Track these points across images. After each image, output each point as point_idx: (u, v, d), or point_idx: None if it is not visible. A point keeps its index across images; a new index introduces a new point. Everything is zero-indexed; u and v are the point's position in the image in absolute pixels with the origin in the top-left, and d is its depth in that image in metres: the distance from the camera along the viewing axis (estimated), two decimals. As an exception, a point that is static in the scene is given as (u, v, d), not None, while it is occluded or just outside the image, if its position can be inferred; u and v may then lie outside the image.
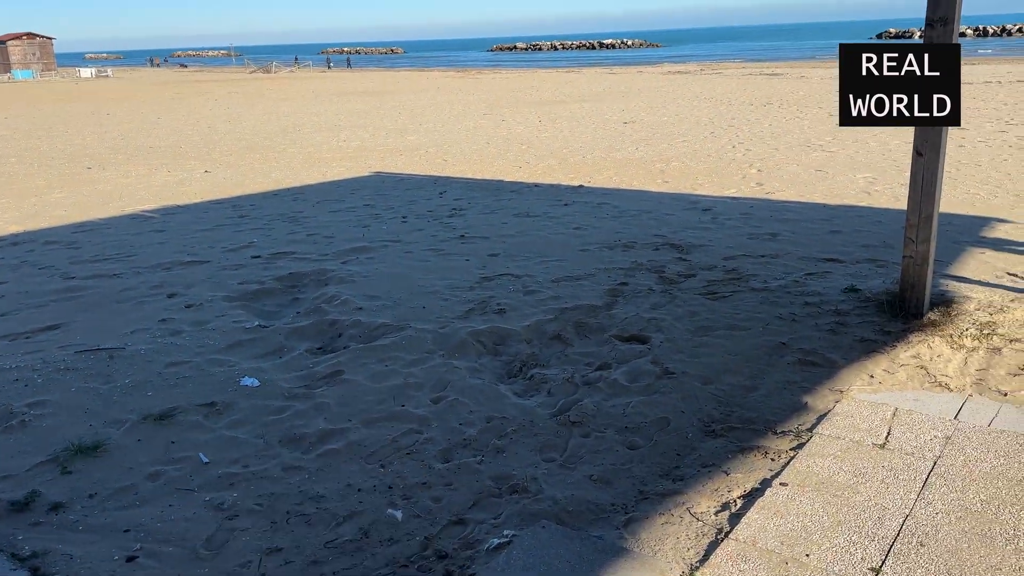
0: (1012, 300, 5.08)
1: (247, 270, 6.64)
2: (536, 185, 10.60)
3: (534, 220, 8.32)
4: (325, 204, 9.62)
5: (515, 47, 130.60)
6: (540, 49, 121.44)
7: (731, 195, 9.39)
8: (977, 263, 6.04)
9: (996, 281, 5.56)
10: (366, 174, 12.07)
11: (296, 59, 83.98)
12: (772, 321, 4.94)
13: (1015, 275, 5.70)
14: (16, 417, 3.98)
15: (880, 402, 3.83)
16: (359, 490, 3.27)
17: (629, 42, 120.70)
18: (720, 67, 46.76)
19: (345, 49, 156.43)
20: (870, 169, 10.63)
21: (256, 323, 5.33)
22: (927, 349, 4.37)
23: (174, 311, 5.60)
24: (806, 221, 7.77)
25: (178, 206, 9.82)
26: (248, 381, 4.36)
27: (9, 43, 69.89)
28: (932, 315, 4.82)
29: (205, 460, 3.55)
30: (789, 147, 13.13)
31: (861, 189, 9.33)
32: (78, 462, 3.54)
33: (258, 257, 7.07)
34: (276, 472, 3.43)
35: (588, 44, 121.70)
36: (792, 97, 22.97)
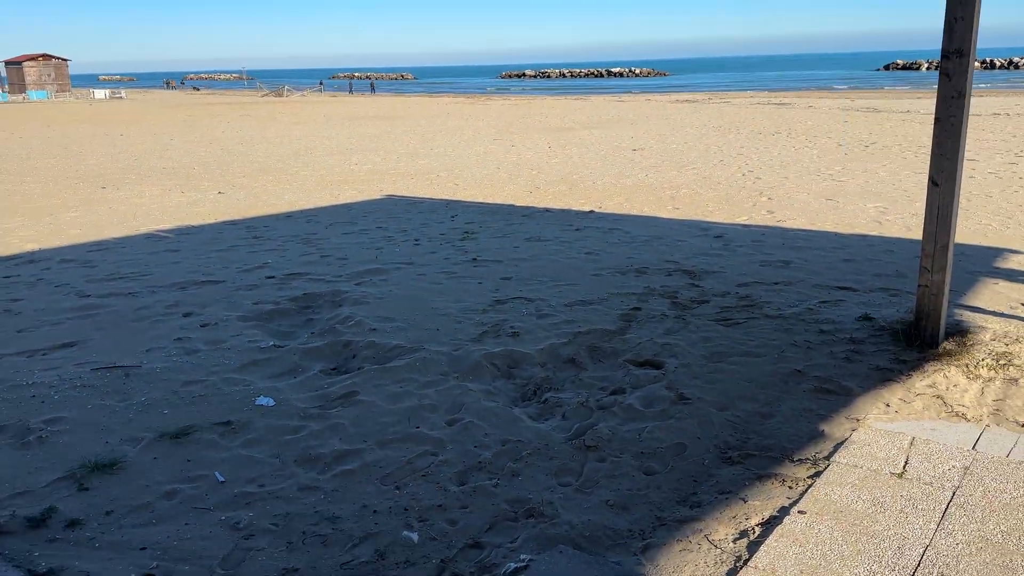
0: (1027, 331, 5.07)
1: (261, 290, 6.68)
2: (547, 210, 10.65)
3: (546, 244, 8.36)
4: (338, 226, 9.68)
5: (524, 74, 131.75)
6: (549, 76, 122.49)
7: (742, 222, 9.41)
8: (991, 293, 6.03)
9: (1011, 312, 5.55)
10: (378, 197, 12.15)
11: (321, 83, 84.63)
12: (787, 348, 4.94)
13: (1030, 306, 5.68)
14: (33, 433, 4.00)
15: (897, 431, 3.82)
16: (375, 511, 3.27)
17: (637, 70, 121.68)
18: (728, 96, 47.05)
19: (357, 75, 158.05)
20: (881, 199, 10.65)
21: (271, 343, 5.35)
22: (943, 379, 4.36)
23: (190, 330, 5.63)
24: (818, 249, 7.78)
25: (192, 227, 9.89)
26: (263, 400, 4.37)
27: (25, 64, 70.84)
28: (948, 344, 4.81)
29: (221, 479, 3.55)
30: (799, 176, 13.18)
31: (872, 218, 9.34)
32: (95, 479, 3.54)
33: (272, 278, 7.11)
34: (292, 492, 3.43)
35: (596, 72, 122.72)
36: (801, 127, 23.08)
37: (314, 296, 6.45)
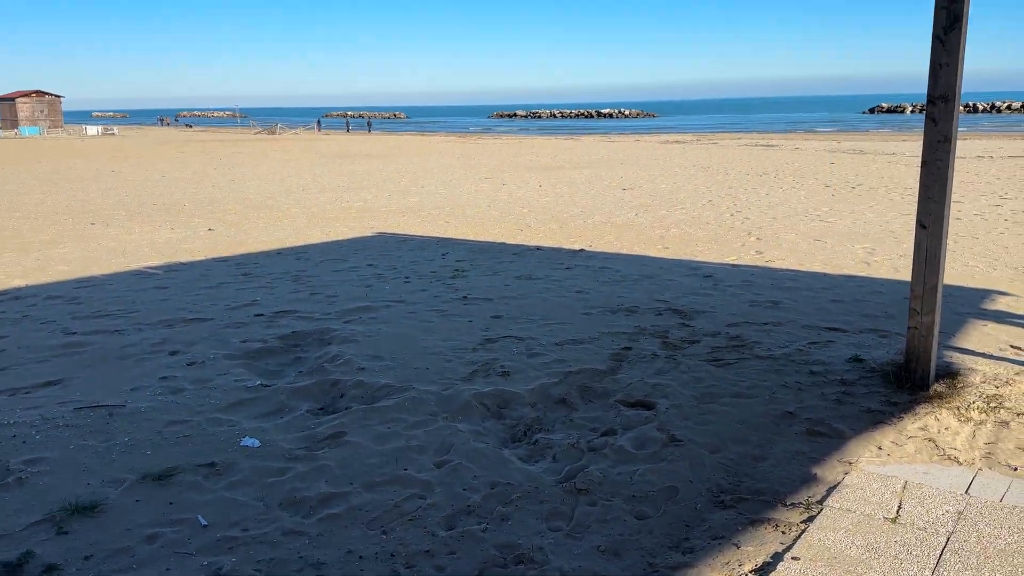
0: (1017, 373, 5.07)
1: (249, 328, 6.62)
2: (538, 248, 10.68)
3: (536, 283, 8.35)
4: (328, 263, 9.66)
5: (515, 114, 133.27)
6: (540, 117, 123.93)
7: (731, 262, 9.45)
8: (980, 335, 6.05)
9: (1000, 354, 5.56)
10: (369, 234, 12.16)
11: (319, 121, 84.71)
12: (778, 390, 4.92)
13: (1018, 348, 5.70)
14: (12, 474, 3.91)
15: (889, 475, 3.79)
16: (360, 557, 3.20)
17: (627, 111, 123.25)
18: (716, 137, 47.67)
19: (350, 113, 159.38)
20: (868, 240, 10.74)
21: (258, 382, 5.29)
22: (935, 421, 4.34)
23: (175, 369, 5.57)
24: (807, 290, 7.81)
25: (181, 263, 9.85)
26: (249, 441, 4.30)
27: (18, 100, 71.11)
28: (938, 387, 4.80)
29: (204, 523, 3.47)
30: (787, 216, 13.29)
31: (860, 259, 9.40)
32: (74, 522, 3.46)
33: (261, 315, 7.07)
34: (276, 536, 3.36)
35: (586, 113, 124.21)
36: (788, 168, 23.35)
37: (302, 334, 6.41)
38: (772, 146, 35.59)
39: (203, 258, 10.21)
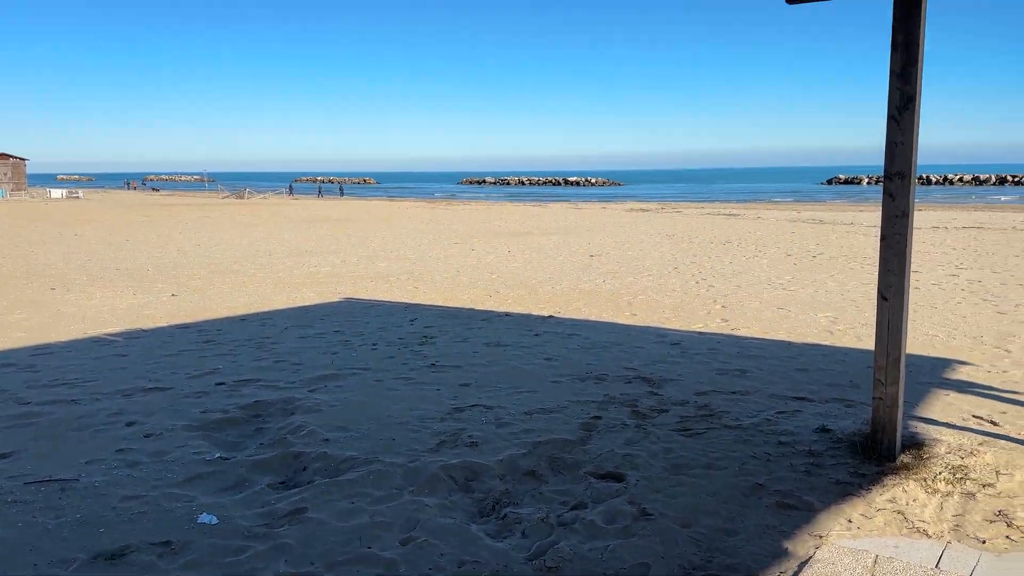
0: (981, 443, 5.12)
1: (210, 398, 6.47)
2: (507, 314, 10.68)
3: (505, 349, 8.32)
4: (294, 329, 9.54)
5: (484, 180, 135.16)
6: (508, 183, 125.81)
7: (698, 330, 9.53)
8: (943, 405, 6.13)
9: (963, 424, 5.63)
10: (336, 300, 12.08)
11: (291, 186, 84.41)
12: (747, 460, 4.90)
13: (980, 418, 5.77)
14: (-48, 555, 3.71)
15: (860, 548, 3.76)
16: (322, 642, 3.06)
17: (593, 180, 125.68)
18: (680, 206, 48.69)
19: (320, 178, 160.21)
20: (830, 308, 10.93)
21: (217, 455, 5.13)
22: (903, 493, 4.35)
23: (132, 440, 5.39)
24: (772, 358, 7.88)
25: (142, 330, 9.66)
26: (206, 518, 4.14)
27: (-18, 162, 70.33)
28: (904, 458, 4.82)
29: (156, 606, 3.30)
30: (751, 284, 13.50)
31: (823, 328, 9.54)
32: (17, 607, 3.27)
33: (222, 384, 6.91)
34: (233, 620, 3.21)
35: (554, 180, 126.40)
36: (750, 237, 23.85)
37: (265, 404, 6.27)
38: (734, 215, 36.41)
39: (165, 324, 10.03)
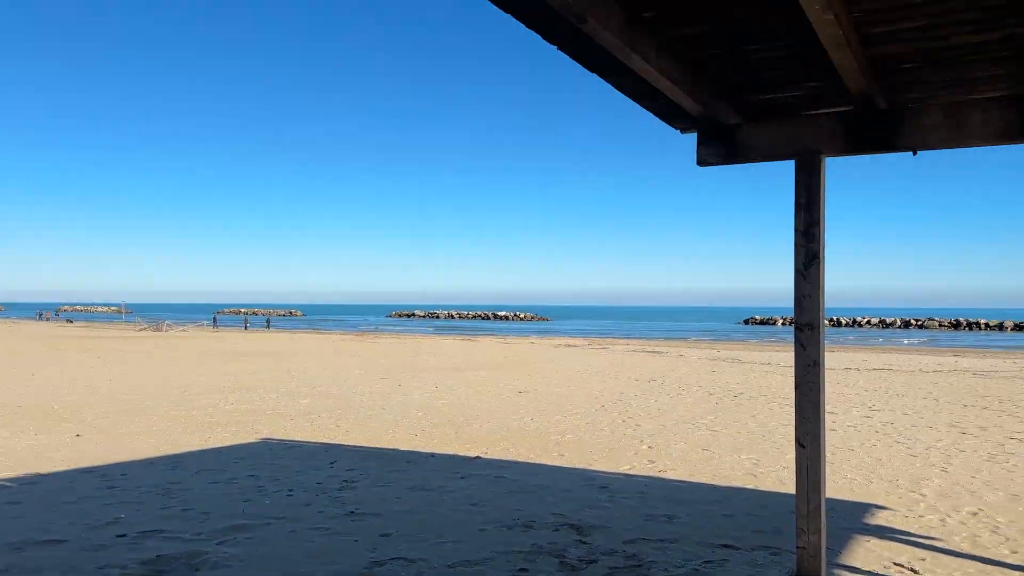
0: (903, 592, 5.14)
1: (109, 552, 5.99)
2: (432, 455, 10.43)
3: (430, 494, 8.06)
4: (205, 474, 9.06)
5: (414, 314, 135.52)
6: (438, 317, 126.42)
7: (625, 471, 9.48)
8: (864, 551, 6.17)
9: (884, 571, 5.66)
10: (253, 440, 11.60)
11: (215, 318, 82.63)
12: (676, 616, 4.77)
13: (901, 565, 5.82)
14: None
15: None
16: None
17: (522, 315, 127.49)
18: (606, 342, 49.59)
19: (244, 310, 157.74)
20: (752, 450, 11.08)
21: (111, 618, 4.70)
22: (832, 648, 4.28)
23: (15, 603, 4.90)
24: (699, 503, 7.85)
25: (41, 475, 9.01)
26: None
27: None
28: (831, 609, 4.78)
29: None
30: (676, 424, 13.64)
31: (747, 471, 9.63)
32: None
33: (123, 536, 6.43)
34: None
35: (483, 315, 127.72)
36: (673, 375, 24.33)
37: (168, 559, 5.84)
38: (658, 352, 37.24)
39: (66, 468, 9.39)
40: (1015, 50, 4.01)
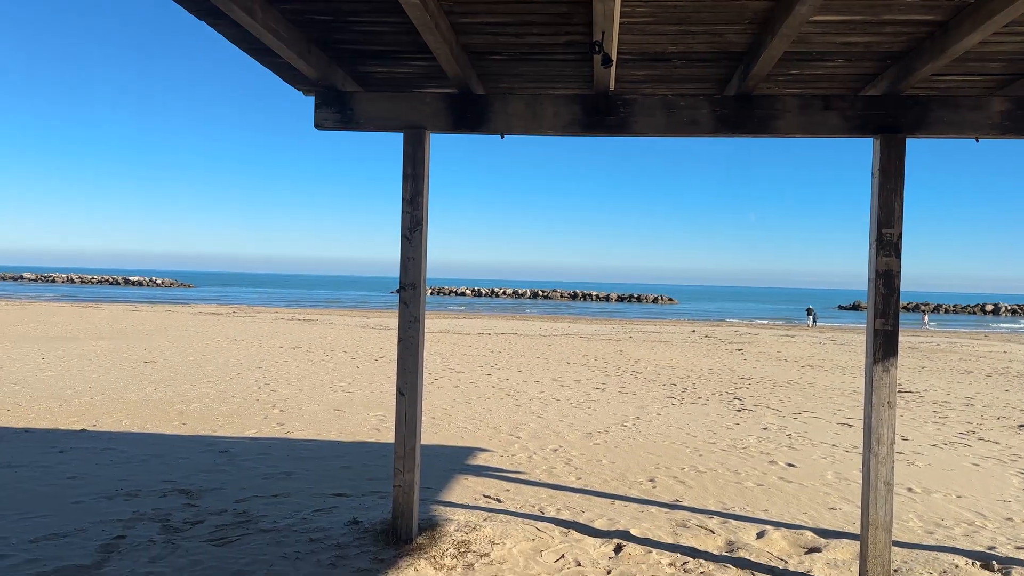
0: (485, 519, 5.91)
1: None
2: (27, 430, 9.26)
3: (18, 471, 7.20)
4: None
5: (22, 277, 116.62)
6: (55, 281, 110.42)
7: (251, 435, 9.39)
8: (461, 488, 6.93)
9: (474, 503, 6.43)
10: None
11: None
12: (276, 562, 4.94)
13: (489, 496, 6.67)
14: None
15: (372, 629, 4.03)
16: None
17: (159, 280, 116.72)
18: (253, 311, 47.75)
19: None
20: (382, 408, 11.67)
21: None
22: (414, 572, 4.80)
23: None
24: (320, 459, 8.11)
25: None
26: None
27: None
28: (420, 539, 5.33)
29: None
30: (313, 388, 13.78)
31: (372, 426, 10.14)
32: None
33: None
34: None
35: (112, 279, 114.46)
36: (320, 342, 24.40)
37: None
38: (309, 320, 36.92)
39: None
40: (576, 54, 4.78)
